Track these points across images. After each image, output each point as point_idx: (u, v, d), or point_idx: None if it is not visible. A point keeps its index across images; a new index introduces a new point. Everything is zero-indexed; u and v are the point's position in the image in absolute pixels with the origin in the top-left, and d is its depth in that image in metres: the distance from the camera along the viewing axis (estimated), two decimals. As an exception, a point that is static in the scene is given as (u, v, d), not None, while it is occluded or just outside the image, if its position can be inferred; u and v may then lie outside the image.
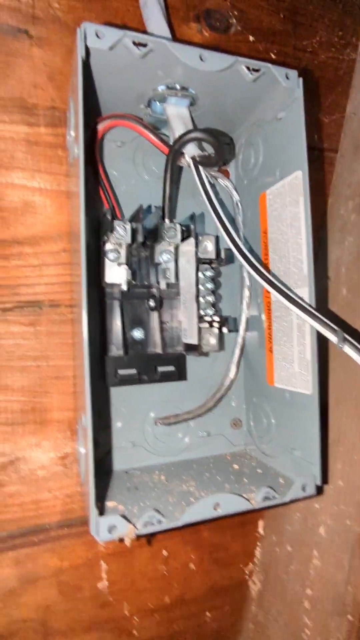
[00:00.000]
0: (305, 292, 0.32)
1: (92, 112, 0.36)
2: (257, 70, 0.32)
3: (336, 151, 0.47)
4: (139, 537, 0.27)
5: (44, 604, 0.36)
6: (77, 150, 0.29)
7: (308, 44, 0.46)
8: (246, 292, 0.40)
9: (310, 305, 0.31)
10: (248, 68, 0.31)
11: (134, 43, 0.28)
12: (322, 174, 0.47)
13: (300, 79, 0.32)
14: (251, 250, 0.40)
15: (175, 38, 0.39)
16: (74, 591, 0.36)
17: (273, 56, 0.45)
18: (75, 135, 0.31)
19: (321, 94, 0.47)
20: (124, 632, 0.38)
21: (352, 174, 0.45)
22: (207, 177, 0.35)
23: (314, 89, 0.47)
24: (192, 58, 0.29)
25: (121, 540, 0.26)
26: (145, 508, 0.29)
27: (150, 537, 0.39)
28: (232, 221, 0.41)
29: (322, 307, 0.43)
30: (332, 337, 0.29)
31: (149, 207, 0.38)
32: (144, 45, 0.28)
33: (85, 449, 0.30)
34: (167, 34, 0.36)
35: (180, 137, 0.33)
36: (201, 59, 0.29)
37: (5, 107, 0.36)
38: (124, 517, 0.27)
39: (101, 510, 0.27)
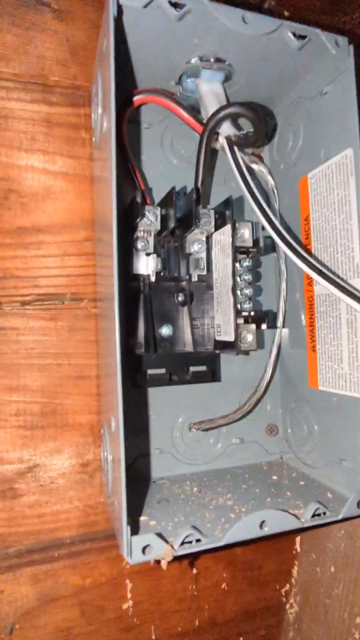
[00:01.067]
0: (358, 282, 0.29)
1: (121, 87, 0.33)
2: (303, 37, 0.29)
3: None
4: (176, 558, 0.23)
5: (64, 626, 0.32)
6: (106, 124, 0.26)
7: (348, 20, 0.43)
8: (284, 285, 0.36)
9: (366, 297, 0.27)
10: (294, 34, 0.28)
11: (170, 3, 0.25)
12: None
13: (351, 47, 0.29)
14: (292, 239, 0.37)
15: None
16: (96, 612, 0.33)
17: (310, 33, 0.42)
18: (103, 110, 0.28)
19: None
20: (151, 659, 0.35)
21: None
22: (242, 158, 0.32)
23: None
24: (234, 20, 0.26)
25: (157, 562, 0.23)
26: (180, 524, 0.26)
27: (193, 560, 0.35)
28: (268, 207, 0.38)
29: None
30: (395, 332, 0.25)
31: (182, 190, 0.35)
32: (181, 6, 0.25)
33: (112, 455, 0.27)
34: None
35: (216, 112, 0.30)
36: (244, 21, 0.26)
37: (25, 85, 0.33)
38: (159, 535, 0.23)
39: (134, 529, 0.24)
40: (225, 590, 0.37)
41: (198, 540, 0.24)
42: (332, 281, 0.28)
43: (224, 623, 0.37)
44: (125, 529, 0.23)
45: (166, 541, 0.23)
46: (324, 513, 0.27)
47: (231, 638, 0.38)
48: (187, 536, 0.24)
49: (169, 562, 0.23)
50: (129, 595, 0.34)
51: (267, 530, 0.25)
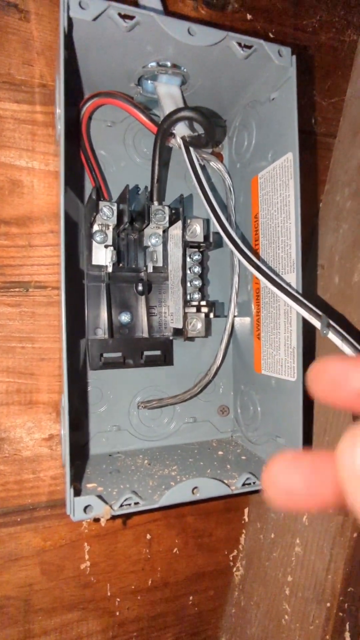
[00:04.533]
0: (293, 277, 0.32)
1: (80, 89, 0.35)
2: (249, 47, 0.31)
3: (334, 136, 0.46)
4: (114, 517, 0.27)
5: (26, 582, 0.36)
6: (60, 127, 0.28)
7: (308, 24, 0.45)
8: (235, 278, 0.39)
9: (296, 291, 0.30)
10: (240, 44, 0.30)
11: (120, 15, 0.27)
12: (318, 160, 0.46)
13: (294, 57, 0.31)
14: (242, 236, 0.39)
15: (167, 13, 0.38)
16: (56, 571, 0.37)
17: (271, 36, 0.44)
18: (59, 111, 0.30)
19: (320, 77, 0.46)
20: (106, 613, 0.39)
21: (350, 159, 0.44)
22: (197, 158, 0.35)
23: (312, 71, 0.45)
24: (180, 32, 0.28)
25: (97, 520, 0.26)
26: (124, 490, 0.29)
27: (126, 519, 0.39)
28: (224, 205, 0.40)
29: (310, 294, 0.42)
30: (316, 323, 0.28)
31: (136, 187, 0.38)
32: (131, 17, 0.27)
33: (64, 430, 0.30)
34: (159, 7, 0.35)
35: (169, 115, 0.33)
36: (190, 33, 0.29)
37: (-7, 83, 0.35)
38: (100, 497, 0.27)
39: (78, 491, 0.27)
40: (177, 554, 0.41)
41: (137, 503, 0.28)
42: (268, 276, 0.31)
43: (175, 583, 0.41)
44: (69, 491, 0.26)
45: (106, 502, 0.27)
46: (254, 482, 0.31)
47: (182, 597, 0.42)
48: (126, 499, 0.27)
49: (109, 521, 0.27)
50: (87, 557, 0.38)
51: (198, 496, 0.29)
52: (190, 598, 0.42)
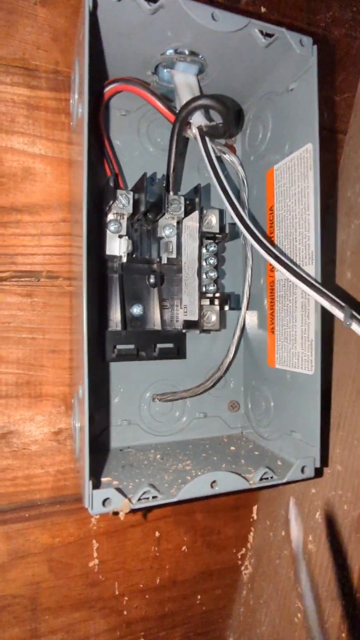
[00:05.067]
0: (312, 269, 0.32)
1: (98, 76, 0.35)
2: (270, 35, 0.30)
3: (345, 132, 0.46)
4: (134, 511, 0.26)
5: (33, 580, 0.35)
6: (81, 110, 0.27)
7: (321, 19, 0.45)
8: (249, 271, 0.39)
9: (317, 281, 0.30)
10: (262, 32, 0.30)
11: (144, -2, 0.27)
12: (331, 156, 0.46)
13: (315, 47, 0.31)
14: (257, 228, 0.39)
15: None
16: (64, 569, 0.36)
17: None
18: (79, 96, 0.30)
19: (332, 72, 0.46)
20: (114, 611, 0.38)
21: (362, 155, 0.44)
22: (213, 148, 0.34)
23: (325, 66, 0.45)
24: (203, 16, 0.28)
25: (115, 513, 0.25)
26: (140, 484, 0.28)
27: (145, 513, 0.38)
28: (237, 197, 0.40)
29: (330, 286, 0.42)
30: (338, 314, 0.28)
31: (153, 176, 0.37)
32: (155, 0, 0.27)
33: (80, 422, 0.29)
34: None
35: (187, 103, 0.32)
36: (213, 18, 0.28)
37: (6, 67, 0.34)
38: (119, 490, 0.26)
39: (95, 484, 0.26)
40: (186, 552, 0.40)
41: (154, 497, 0.27)
42: (288, 267, 0.30)
43: (183, 582, 0.40)
44: (88, 483, 0.25)
45: (125, 496, 0.26)
46: (271, 477, 0.30)
47: (190, 595, 0.41)
48: (144, 492, 0.27)
49: (127, 515, 0.26)
50: (95, 554, 0.37)
51: (217, 489, 0.28)
52: (199, 597, 0.41)
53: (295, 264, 0.33)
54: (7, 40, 0.34)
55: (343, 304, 0.28)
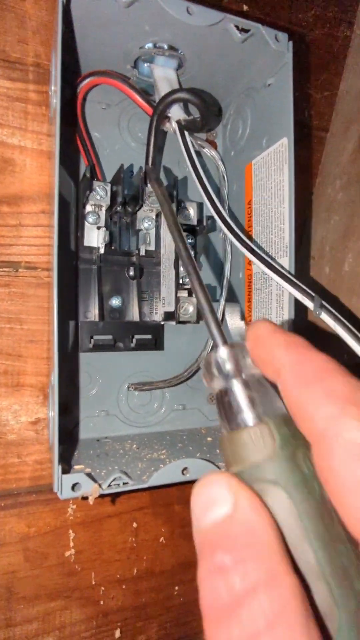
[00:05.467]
0: (286, 261, 0.32)
1: (76, 69, 0.35)
2: (246, 31, 0.31)
3: (326, 130, 0.47)
4: (106, 497, 0.26)
5: (9, 569, 0.35)
6: (55, 101, 0.28)
7: (303, 18, 0.46)
8: (228, 264, 0.39)
9: (289, 273, 0.30)
10: (237, 27, 0.31)
11: (119, -10, 0.27)
12: (311, 153, 0.46)
13: (291, 43, 0.32)
14: (235, 222, 0.39)
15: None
16: (40, 558, 0.36)
17: (267, 28, 0.44)
18: (55, 87, 0.30)
19: (314, 71, 0.46)
20: (90, 601, 0.38)
21: (342, 153, 0.45)
22: (192, 142, 0.34)
23: (306, 65, 0.46)
24: (178, 10, 0.28)
25: (85, 498, 0.26)
26: (112, 471, 0.29)
27: (116, 500, 0.38)
28: (217, 192, 0.40)
29: (304, 279, 0.42)
30: (309, 304, 0.28)
31: (130, 169, 0.37)
32: (129, -7, 0.27)
33: (53, 411, 0.29)
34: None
35: (165, 97, 0.32)
36: (188, 12, 0.29)
37: (-13, 59, 0.34)
38: (89, 475, 0.26)
39: (66, 470, 0.26)
40: (163, 543, 0.41)
41: (125, 483, 0.27)
42: (262, 259, 0.31)
43: (160, 573, 0.41)
44: (57, 468, 0.25)
45: (95, 481, 0.26)
46: (244, 465, 0.30)
47: (167, 586, 0.41)
48: (115, 478, 0.27)
49: (96, 499, 0.26)
50: (72, 544, 0.37)
51: (188, 477, 0.28)
52: (176, 588, 0.41)
53: (270, 256, 0.33)
54: (-13, 32, 0.34)
55: (313, 294, 0.28)
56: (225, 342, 0.16)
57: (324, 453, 0.12)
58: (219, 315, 0.39)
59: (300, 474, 0.13)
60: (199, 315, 0.37)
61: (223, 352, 0.16)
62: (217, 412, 0.16)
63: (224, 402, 0.15)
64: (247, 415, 0.14)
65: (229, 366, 0.15)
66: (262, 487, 0.13)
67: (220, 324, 0.20)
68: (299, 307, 0.32)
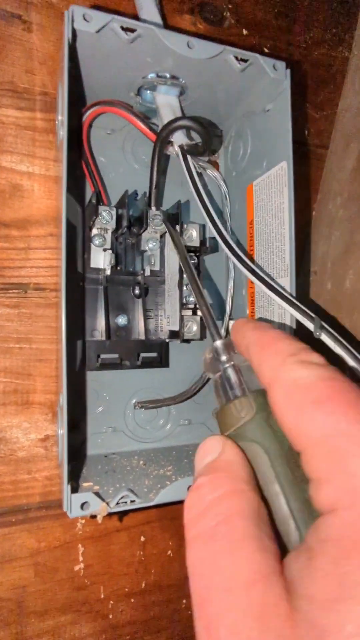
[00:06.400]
0: (287, 281, 0.33)
1: (81, 98, 0.36)
2: (245, 61, 0.32)
3: (326, 147, 0.48)
4: (114, 515, 0.27)
5: (20, 584, 0.36)
6: (62, 133, 0.29)
7: (302, 40, 0.47)
8: (231, 283, 0.40)
9: (289, 294, 0.31)
10: (236, 58, 0.32)
11: (122, 28, 0.28)
12: (311, 170, 0.47)
13: (288, 71, 0.33)
14: (237, 241, 0.40)
15: (167, 27, 0.39)
16: (50, 572, 0.37)
17: (266, 51, 0.45)
18: (62, 116, 0.31)
19: (313, 91, 0.47)
20: (99, 615, 0.38)
21: (342, 170, 0.46)
22: (194, 165, 0.36)
23: (306, 85, 0.47)
24: (180, 45, 0.30)
25: (93, 516, 0.26)
26: (120, 489, 0.30)
27: (125, 516, 0.39)
28: (220, 212, 0.41)
29: (304, 299, 0.43)
30: (309, 325, 0.29)
31: (135, 193, 0.39)
32: (132, 30, 0.29)
33: (62, 429, 0.30)
34: (159, 21, 0.36)
35: (168, 124, 0.34)
36: (189, 47, 0.30)
37: (-4, 90, 0.36)
38: (97, 494, 0.27)
39: (75, 488, 0.27)
40: (171, 557, 0.41)
41: (132, 501, 0.28)
42: (263, 280, 0.31)
43: (168, 586, 0.41)
44: (66, 487, 0.26)
45: (103, 500, 0.27)
46: (248, 482, 0.31)
47: (175, 600, 0.42)
48: (122, 497, 0.28)
49: (105, 518, 0.27)
50: (81, 559, 0.38)
51: (193, 494, 0.29)
52: (184, 601, 0.42)
53: (270, 277, 0.34)
54: (-3, 65, 0.36)
55: (313, 315, 0.29)
56: (220, 337, 0.22)
57: (272, 397, 0.16)
58: (223, 331, 0.40)
59: (272, 432, 0.17)
60: (203, 334, 0.38)
61: (219, 344, 0.22)
62: (214, 392, 0.21)
63: (219, 384, 0.20)
64: (234, 391, 0.20)
65: (223, 356, 0.21)
66: (244, 444, 0.17)
67: (216, 323, 0.25)
68: (300, 326, 0.32)
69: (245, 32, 0.44)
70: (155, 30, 0.29)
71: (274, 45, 0.46)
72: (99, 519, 0.26)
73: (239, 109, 0.39)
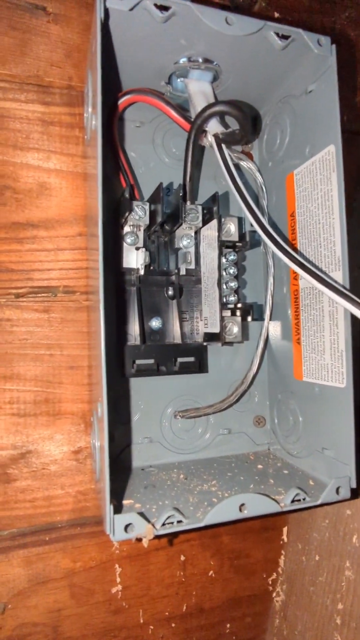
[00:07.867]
0: (339, 275, 0.30)
1: (111, 88, 0.34)
2: (286, 37, 0.29)
3: (367, 133, 0.45)
4: (158, 537, 0.24)
5: (55, 607, 0.34)
6: (95, 123, 0.27)
7: (337, 20, 0.44)
8: (271, 280, 0.37)
9: (345, 288, 0.28)
10: (277, 34, 0.29)
11: (156, 5, 0.26)
12: (352, 159, 0.44)
13: (334, 46, 0.30)
14: (278, 234, 0.38)
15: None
16: (86, 595, 0.34)
17: (300, 34, 0.43)
18: (92, 108, 0.29)
19: (350, 73, 0.44)
20: (139, 642, 0.36)
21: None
22: (230, 155, 0.33)
23: (343, 67, 0.44)
24: (217, 21, 0.27)
25: (138, 540, 0.24)
26: (164, 507, 0.27)
27: (170, 538, 0.36)
28: (257, 204, 0.39)
29: (358, 292, 0.40)
30: (371, 322, 0.26)
31: (169, 186, 0.36)
32: (167, 8, 0.26)
33: (100, 441, 0.28)
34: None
35: (203, 110, 0.31)
36: (227, 22, 0.27)
37: (21, 85, 0.34)
38: (142, 515, 0.24)
39: (117, 508, 0.25)
40: (213, 577, 0.38)
41: (179, 522, 0.25)
42: (313, 274, 0.29)
43: (211, 609, 0.38)
44: (108, 507, 0.24)
45: (148, 521, 0.24)
46: (304, 499, 0.28)
47: (218, 624, 0.39)
48: (168, 517, 0.25)
49: (150, 541, 0.24)
50: (118, 580, 0.35)
51: (246, 513, 0.26)
52: (228, 625, 0.39)
53: (320, 270, 0.31)
54: (21, 59, 0.34)
55: (375, 311, 0.26)
56: None
57: None
58: (264, 333, 0.37)
59: None
60: (244, 334, 0.35)
61: None
62: None
63: None
64: None
65: None
66: None
67: None
68: (355, 323, 0.29)
69: (277, 14, 0.42)
70: (191, 5, 0.27)
71: (307, 27, 0.43)
72: (145, 542, 0.24)
73: (276, 92, 0.36)
